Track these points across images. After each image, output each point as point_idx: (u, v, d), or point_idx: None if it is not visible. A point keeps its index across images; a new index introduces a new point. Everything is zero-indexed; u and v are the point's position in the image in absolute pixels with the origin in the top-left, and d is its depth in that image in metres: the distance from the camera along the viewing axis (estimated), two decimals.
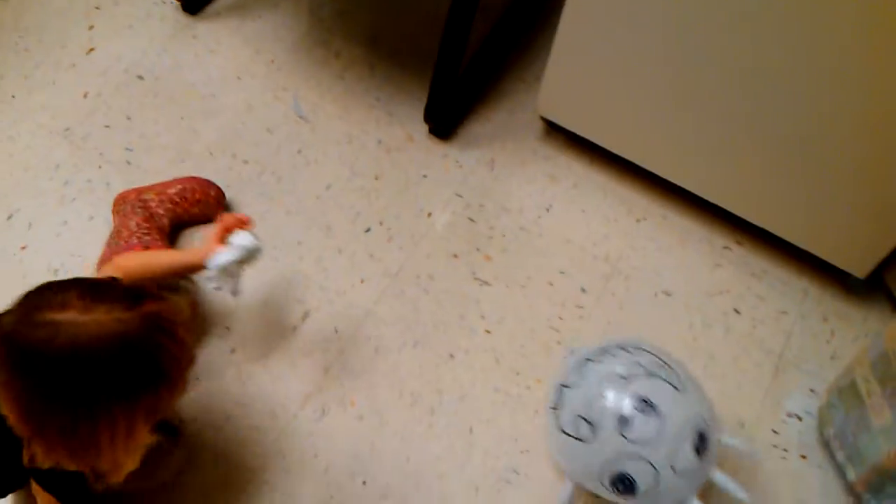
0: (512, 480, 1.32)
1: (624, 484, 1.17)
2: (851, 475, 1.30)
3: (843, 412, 1.29)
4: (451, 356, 1.42)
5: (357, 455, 1.31)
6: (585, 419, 1.17)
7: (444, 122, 1.66)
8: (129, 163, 1.56)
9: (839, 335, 1.52)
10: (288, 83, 1.71)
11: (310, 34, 1.79)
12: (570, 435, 1.19)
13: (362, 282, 1.47)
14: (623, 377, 1.18)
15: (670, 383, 1.18)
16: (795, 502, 1.36)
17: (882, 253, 1.41)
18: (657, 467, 1.15)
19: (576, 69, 1.49)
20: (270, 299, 1.44)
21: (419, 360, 1.41)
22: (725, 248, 1.59)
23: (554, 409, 1.23)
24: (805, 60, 1.23)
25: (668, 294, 1.53)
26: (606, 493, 1.22)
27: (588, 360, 1.23)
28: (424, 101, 1.64)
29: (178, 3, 1.78)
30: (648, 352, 1.23)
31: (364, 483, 1.29)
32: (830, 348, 1.51)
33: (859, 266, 1.47)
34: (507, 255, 1.54)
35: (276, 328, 1.41)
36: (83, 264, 1.43)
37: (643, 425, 1.14)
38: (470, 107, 1.71)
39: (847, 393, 1.28)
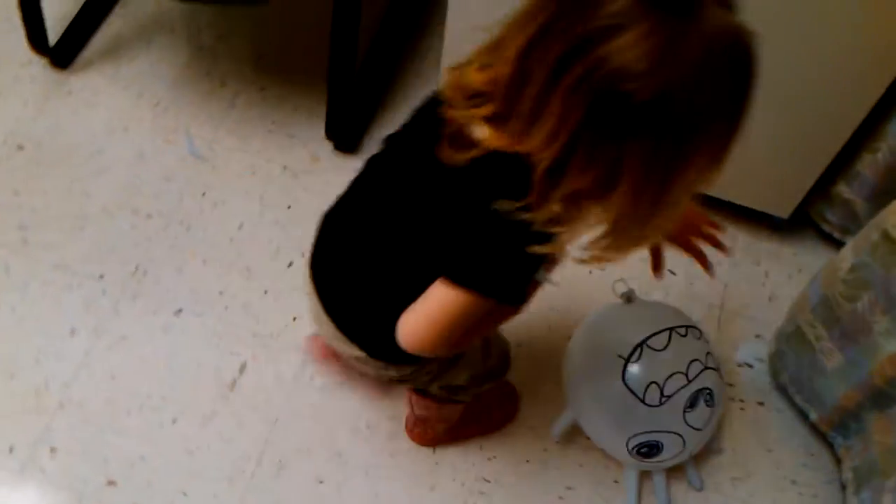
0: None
1: (649, 451, 1.21)
2: (814, 416, 1.31)
3: (795, 358, 1.30)
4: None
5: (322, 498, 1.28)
6: (660, 388, 1.18)
7: (348, 135, 1.61)
8: (25, 241, 1.47)
9: (773, 275, 1.54)
10: (178, 123, 1.63)
11: (191, 66, 1.71)
12: (634, 393, 1.18)
13: (295, 320, 1.42)
14: (702, 363, 1.21)
15: (721, 379, 1.27)
16: (763, 449, 1.38)
17: (802, 191, 1.43)
18: (687, 448, 1.23)
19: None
20: (203, 360, 1.38)
21: (365, 393, 1.37)
22: None
23: (626, 360, 1.20)
24: None
25: (602, 269, 1.52)
26: (617, 450, 1.25)
27: (672, 329, 1.22)
28: (323, 116, 1.58)
29: (45, 59, 1.67)
30: (706, 339, 1.27)
31: None
32: (767, 290, 1.53)
33: (783, 207, 1.48)
34: None
35: (212, 389, 1.35)
36: None
37: (702, 414, 1.21)
38: (371, 114, 1.66)
39: (795, 339, 1.29)
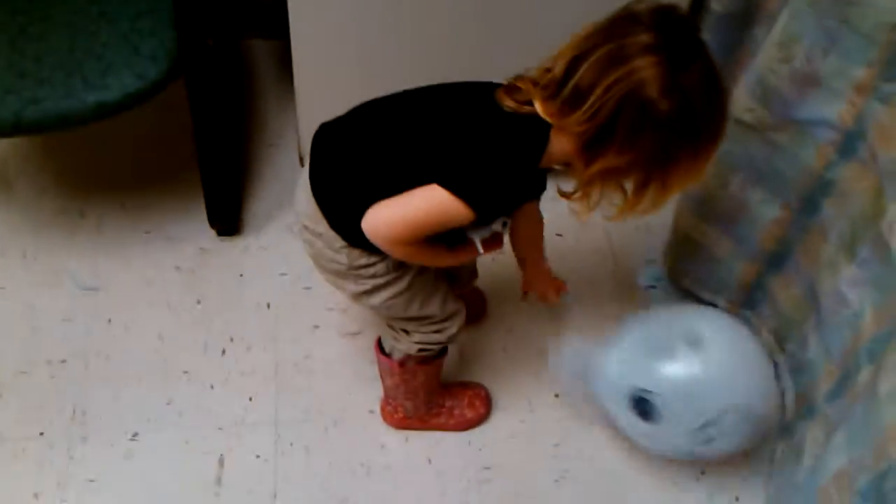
0: None
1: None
2: (723, 303, 1.49)
3: (689, 260, 1.48)
4: (371, 411, 1.44)
5: None
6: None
7: (230, 218, 1.64)
8: None
9: None
10: (54, 265, 1.61)
11: (46, 208, 1.69)
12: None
13: (251, 400, 1.45)
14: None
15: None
16: None
17: None
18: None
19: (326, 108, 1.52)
20: (180, 469, 1.38)
21: (346, 438, 1.42)
22: None
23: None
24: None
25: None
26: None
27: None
28: (194, 209, 1.62)
29: None
30: None
31: None
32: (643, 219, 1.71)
33: None
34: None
35: (201, 492, 1.36)
36: None
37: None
38: (240, 192, 1.71)
39: (684, 245, 1.47)
